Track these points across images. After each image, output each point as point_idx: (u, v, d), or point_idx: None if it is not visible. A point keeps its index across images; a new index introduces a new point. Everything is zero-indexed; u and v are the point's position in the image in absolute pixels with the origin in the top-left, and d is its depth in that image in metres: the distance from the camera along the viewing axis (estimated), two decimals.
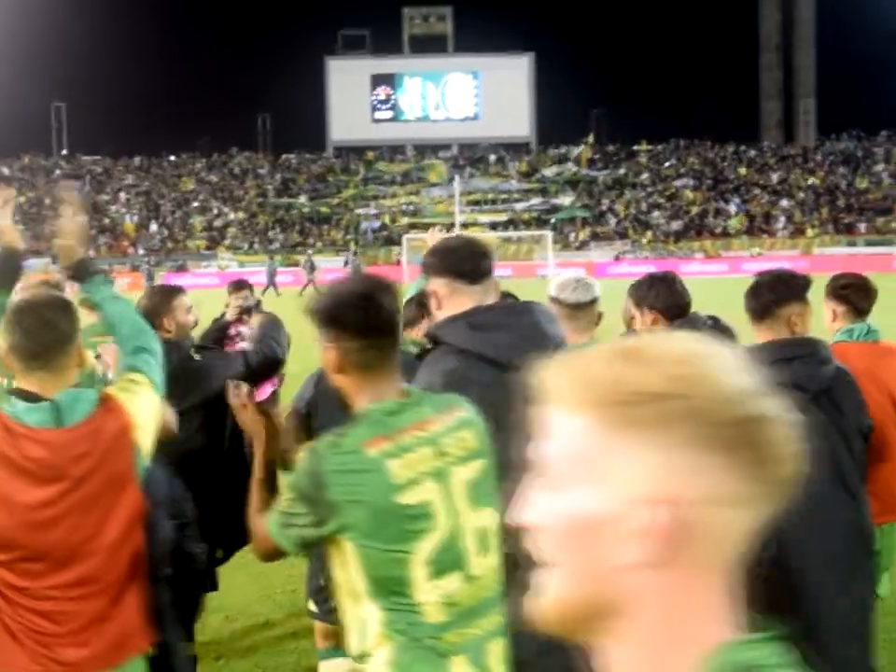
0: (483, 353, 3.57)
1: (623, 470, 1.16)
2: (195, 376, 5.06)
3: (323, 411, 4.51)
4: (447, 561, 2.86)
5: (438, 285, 3.73)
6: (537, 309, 3.86)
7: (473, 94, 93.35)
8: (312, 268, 47.40)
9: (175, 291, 5.47)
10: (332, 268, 52.75)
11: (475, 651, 2.89)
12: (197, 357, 5.32)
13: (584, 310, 4.85)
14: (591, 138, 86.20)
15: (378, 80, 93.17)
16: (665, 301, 4.88)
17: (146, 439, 3.45)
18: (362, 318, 2.89)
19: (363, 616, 2.86)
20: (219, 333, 7.38)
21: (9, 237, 3.94)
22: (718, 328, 4.82)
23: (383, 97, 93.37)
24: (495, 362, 3.53)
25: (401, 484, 2.80)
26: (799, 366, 4.12)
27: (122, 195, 79.33)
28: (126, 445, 3.33)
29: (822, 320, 5.25)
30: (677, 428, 1.15)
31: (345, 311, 2.91)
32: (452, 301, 3.70)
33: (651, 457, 1.15)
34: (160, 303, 5.28)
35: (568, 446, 1.20)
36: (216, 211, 77.50)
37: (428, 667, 2.83)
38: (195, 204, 78.03)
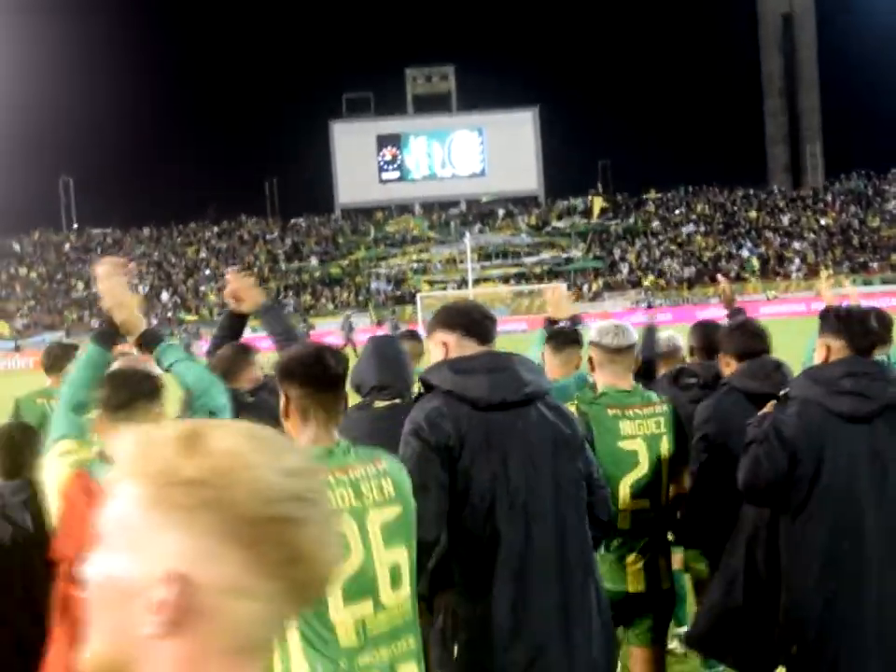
0: (463, 394, 3.92)
1: (155, 545, 1.24)
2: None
3: None
4: (359, 588, 3.26)
5: (450, 339, 4.15)
6: (516, 358, 4.18)
7: (479, 150, 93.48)
8: (350, 328, 47.04)
9: (249, 350, 6.12)
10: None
11: None
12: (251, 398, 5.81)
13: (624, 354, 5.13)
14: (600, 188, 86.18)
15: (383, 141, 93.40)
16: (737, 346, 5.44)
17: None
18: (305, 373, 3.43)
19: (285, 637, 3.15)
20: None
21: (124, 310, 4.19)
22: (781, 370, 5.26)
23: (389, 158, 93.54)
24: (471, 401, 3.91)
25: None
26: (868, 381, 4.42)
27: (133, 266, 79.27)
28: None
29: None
30: (204, 516, 1.23)
31: (295, 365, 3.47)
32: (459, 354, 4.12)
33: (178, 538, 1.24)
34: (234, 361, 5.87)
35: (120, 512, 1.28)
36: (227, 278, 77.32)
37: None
38: (206, 272, 77.96)
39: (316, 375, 3.42)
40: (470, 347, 4.09)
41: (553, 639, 3.87)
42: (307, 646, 3.17)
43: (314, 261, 79.32)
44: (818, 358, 4.59)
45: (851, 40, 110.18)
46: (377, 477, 3.39)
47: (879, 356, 5.09)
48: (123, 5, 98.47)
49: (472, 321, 4.16)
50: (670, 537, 5.82)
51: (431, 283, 72.95)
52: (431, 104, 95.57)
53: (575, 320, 6.73)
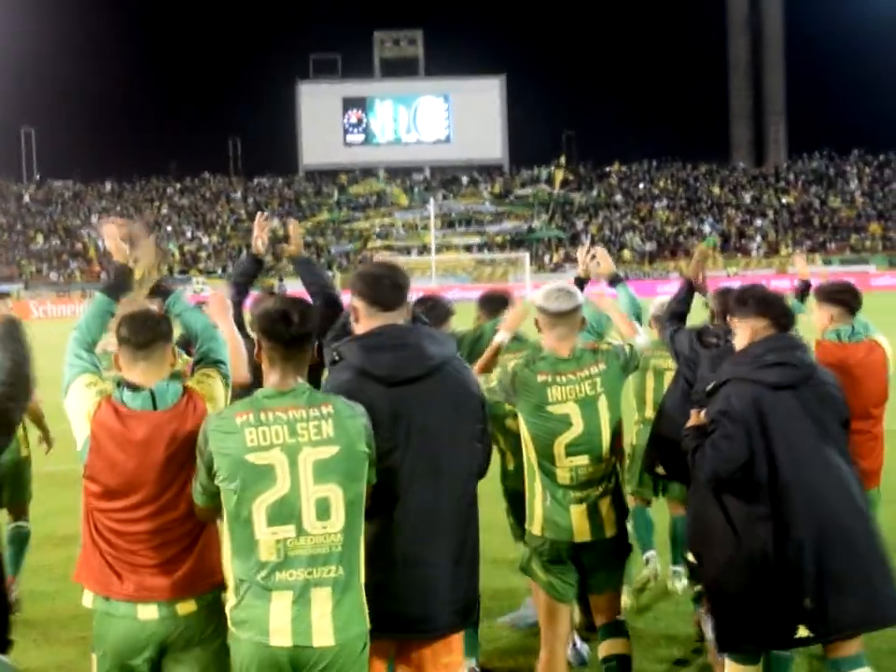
0: (370, 371, 4.33)
1: None
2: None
3: None
4: (283, 514, 3.83)
5: (359, 305, 4.51)
6: (422, 331, 4.59)
7: (445, 117, 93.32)
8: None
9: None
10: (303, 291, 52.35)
11: (299, 592, 3.82)
12: None
13: (566, 317, 5.28)
14: (563, 160, 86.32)
15: (349, 104, 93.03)
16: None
17: None
18: (272, 329, 3.98)
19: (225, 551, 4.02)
20: None
21: (128, 258, 4.67)
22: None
23: (354, 120, 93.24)
24: (379, 378, 4.30)
25: (252, 447, 3.83)
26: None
27: (94, 220, 78.75)
28: (201, 423, 4.18)
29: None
30: None
31: (264, 321, 4.02)
32: (368, 320, 4.48)
33: None
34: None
35: None
36: (188, 235, 77.00)
37: (254, 598, 3.83)
38: (167, 228, 77.52)
39: (280, 333, 3.96)
40: (377, 316, 4.44)
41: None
42: (234, 554, 3.91)
43: (275, 222, 79.03)
44: (746, 340, 5.06)
45: (818, 21, 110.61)
46: (318, 419, 3.90)
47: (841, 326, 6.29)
48: None
49: (380, 291, 4.46)
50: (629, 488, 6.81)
51: (392, 248, 72.93)
52: (399, 68, 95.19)
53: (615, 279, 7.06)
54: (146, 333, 4.30)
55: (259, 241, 6.24)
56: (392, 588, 4.26)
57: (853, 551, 4.78)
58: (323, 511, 3.85)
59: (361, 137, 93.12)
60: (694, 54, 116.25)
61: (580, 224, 77.09)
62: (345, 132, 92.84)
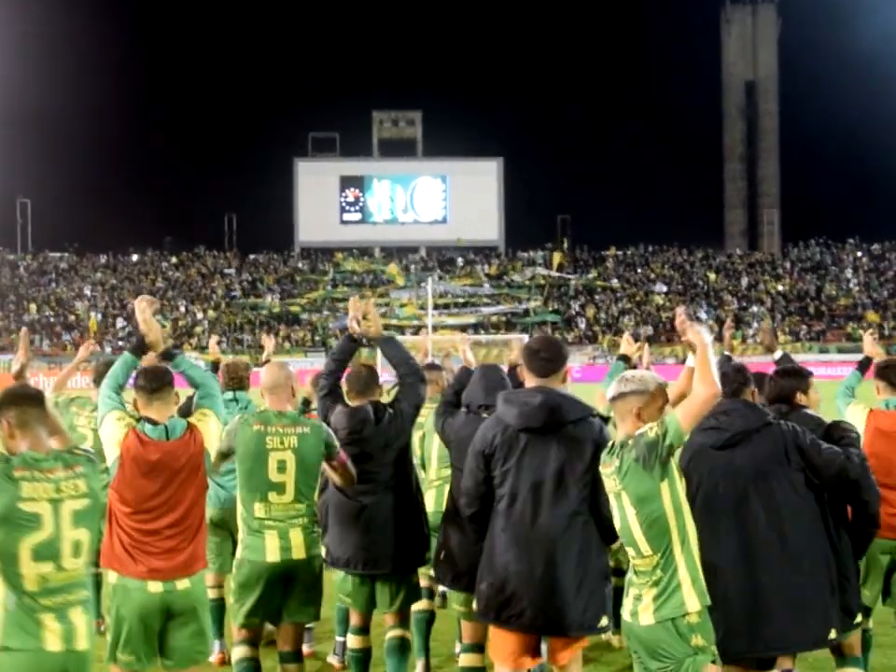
0: (500, 416, 6.08)
1: None
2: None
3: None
4: (46, 553, 4.80)
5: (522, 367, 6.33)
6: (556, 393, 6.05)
7: (442, 198, 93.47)
8: None
9: (373, 368, 7.54)
10: (301, 369, 51.80)
11: (60, 613, 4.84)
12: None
13: (614, 404, 5.38)
14: (564, 243, 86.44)
15: (347, 182, 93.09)
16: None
17: (211, 446, 6.14)
18: (17, 399, 5.04)
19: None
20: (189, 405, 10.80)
21: (154, 334, 6.30)
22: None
23: (351, 199, 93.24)
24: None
25: (25, 498, 4.76)
26: None
27: (88, 292, 78.42)
28: (201, 451, 6.02)
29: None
30: None
31: (9, 395, 5.08)
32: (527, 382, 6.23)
33: None
34: (372, 377, 7.27)
35: None
36: (182, 309, 76.69)
37: (22, 615, 4.76)
38: (161, 303, 77.17)
39: (17, 403, 5.05)
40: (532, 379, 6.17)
41: None
42: (6, 583, 4.79)
43: (270, 298, 78.80)
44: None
45: (813, 110, 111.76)
46: (74, 478, 4.95)
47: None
48: (91, 27, 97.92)
49: (533, 361, 6.14)
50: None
51: (388, 327, 72.60)
52: (397, 148, 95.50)
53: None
54: (158, 382, 6.03)
55: (355, 321, 7.25)
56: None
57: None
58: (76, 550, 4.97)
59: (358, 216, 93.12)
60: (690, 141, 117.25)
61: (575, 307, 76.94)
62: (342, 210, 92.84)
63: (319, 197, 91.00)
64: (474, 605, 6.19)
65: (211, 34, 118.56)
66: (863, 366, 8.80)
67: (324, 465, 6.81)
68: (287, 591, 6.56)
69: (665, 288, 79.35)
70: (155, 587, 5.81)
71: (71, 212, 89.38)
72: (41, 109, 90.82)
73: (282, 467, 6.51)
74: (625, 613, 5.25)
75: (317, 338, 71.39)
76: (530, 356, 6.04)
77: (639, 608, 5.14)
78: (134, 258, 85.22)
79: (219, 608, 8.48)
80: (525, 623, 5.82)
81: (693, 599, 5.09)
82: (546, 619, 5.79)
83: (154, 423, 5.93)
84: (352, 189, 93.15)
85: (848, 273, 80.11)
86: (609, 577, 6.15)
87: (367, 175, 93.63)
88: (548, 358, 6.01)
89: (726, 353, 8.18)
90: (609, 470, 5.25)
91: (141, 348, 6.26)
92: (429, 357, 54.99)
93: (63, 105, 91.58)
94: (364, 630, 7.26)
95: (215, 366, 9.34)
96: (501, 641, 6.06)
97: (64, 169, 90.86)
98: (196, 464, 6.00)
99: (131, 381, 6.21)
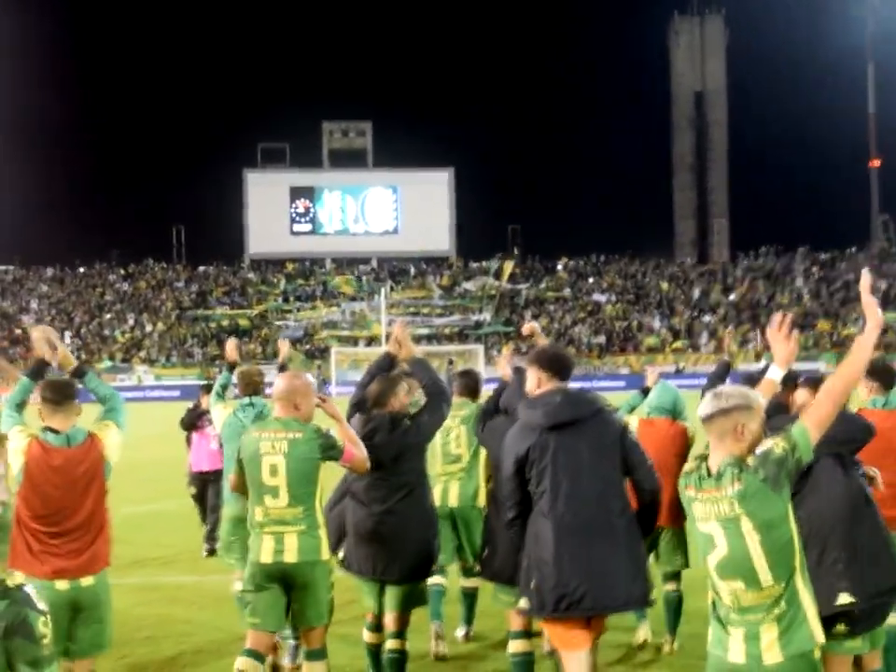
0: (526, 421, 6.30)
1: None
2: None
3: None
4: None
5: (541, 374, 6.40)
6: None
7: (393, 208, 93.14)
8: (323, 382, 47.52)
9: (398, 380, 7.63)
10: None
11: None
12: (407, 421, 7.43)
13: (707, 425, 4.83)
14: (515, 253, 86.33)
15: (297, 193, 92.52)
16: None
17: (111, 454, 6.49)
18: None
19: None
20: (194, 416, 13.57)
21: (62, 358, 6.75)
22: None
23: (302, 210, 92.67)
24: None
25: None
26: None
27: (34, 305, 77.26)
28: (101, 458, 6.42)
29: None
30: None
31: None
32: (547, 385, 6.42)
33: None
34: (388, 388, 7.47)
35: None
36: (131, 322, 75.73)
37: None
38: (109, 316, 76.23)
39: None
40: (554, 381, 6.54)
41: None
42: None
43: (220, 310, 78.04)
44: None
45: (761, 120, 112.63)
46: None
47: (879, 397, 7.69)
48: (34, 36, 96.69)
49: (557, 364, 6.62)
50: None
51: (339, 338, 72.12)
52: (347, 158, 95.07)
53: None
54: (61, 394, 6.38)
55: (397, 344, 7.61)
56: None
57: None
58: None
59: (308, 227, 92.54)
60: (639, 151, 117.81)
61: (527, 317, 76.77)
62: (292, 221, 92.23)
63: (269, 208, 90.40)
64: (523, 602, 6.37)
65: (159, 43, 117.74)
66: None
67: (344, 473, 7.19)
68: (287, 594, 6.72)
69: (612, 298, 79.46)
70: (62, 585, 6.21)
71: (16, 225, 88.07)
72: None
73: (274, 471, 6.65)
74: (734, 655, 4.70)
75: (269, 350, 70.72)
76: (552, 360, 6.47)
77: (761, 647, 4.63)
78: (82, 270, 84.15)
79: None
80: (587, 608, 6.08)
81: (819, 630, 4.69)
82: (604, 600, 6.09)
83: (56, 432, 6.33)
84: (302, 200, 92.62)
85: (799, 281, 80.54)
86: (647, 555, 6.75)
87: (317, 186, 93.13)
88: (567, 363, 6.50)
89: (726, 359, 8.56)
90: (716, 495, 4.72)
91: (38, 372, 6.70)
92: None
93: (6, 115, 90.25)
94: (377, 627, 7.61)
95: (231, 367, 9.35)
96: (564, 631, 6.31)
97: (8, 180, 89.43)
98: (96, 469, 6.40)
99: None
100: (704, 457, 4.87)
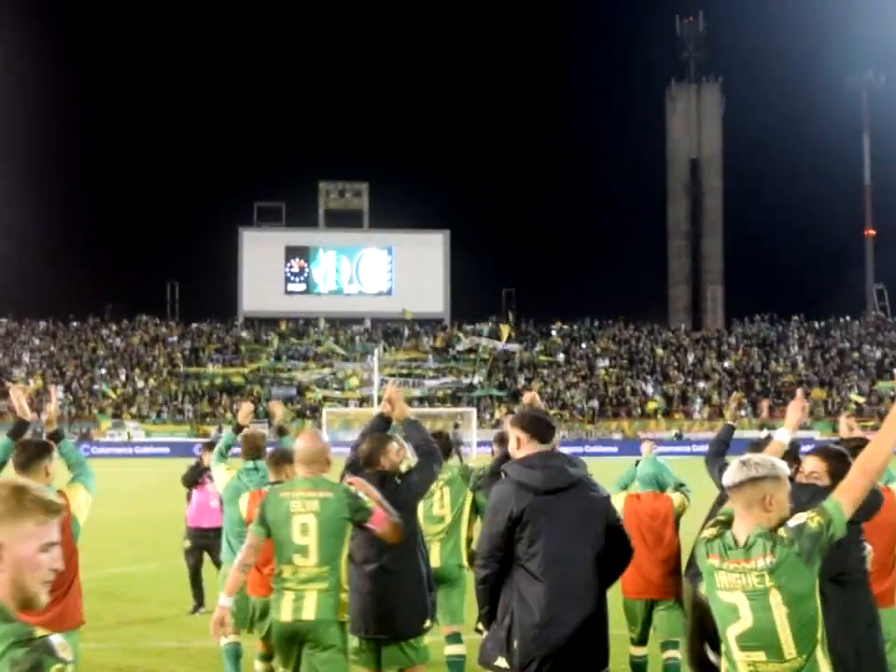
0: (523, 482, 6.01)
1: None
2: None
3: None
4: None
5: (520, 435, 6.14)
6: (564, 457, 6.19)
7: (388, 269, 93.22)
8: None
9: (388, 439, 7.65)
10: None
11: None
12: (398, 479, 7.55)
13: (734, 493, 4.74)
14: (509, 316, 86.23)
15: (292, 252, 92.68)
16: None
17: (79, 513, 6.80)
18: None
19: None
20: (196, 474, 12.91)
21: (50, 417, 7.27)
22: None
23: (296, 269, 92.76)
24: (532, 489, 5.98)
25: None
26: None
27: (26, 358, 76.85)
28: (68, 516, 6.55)
29: None
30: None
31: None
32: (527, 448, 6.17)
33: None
34: (378, 447, 7.50)
35: None
36: (123, 377, 75.31)
37: None
38: (102, 371, 75.82)
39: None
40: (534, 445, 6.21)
41: None
42: None
43: (212, 367, 77.68)
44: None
45: (757, 187, 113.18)
46: None
47: None
48: (36, 83, 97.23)
49: (541, 426, 6.28)
50: None
51: (332, 399, 71.74)
52: (343, 219, 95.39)
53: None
54: (25, 456, 6.53)
55: (389, 405, 7.72)
56: None
57: None
58: None
59: (303, 286, 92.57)
60: (634, 217, 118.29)
61: (521, 381, 76.52)
62: (287, 280, 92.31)
63: (264, 267, 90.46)
64: (501, 661, 6.23)
65: (158, 100, 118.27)
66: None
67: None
68: (302, 651, 6.70)
69: (606, 363, 79.29)
70: None
71: (9, 277, 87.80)
72: None
73: (304, 530, 6.67)
74: None
75: (261, 408, 70.24)
76: (536, 423, 6.26)
77: None
78: (75, 324, 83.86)
79: None
80: (567, 668, 6.04)
81: None
82: (580, 662, 6.07)
83: None
84: (297, 260, 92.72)
85: (793, 349, 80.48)
86: None
87: (312, 246, 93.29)
88: (551, 426, 6.31)
89: (730, 423, 8.31)
90: (744, 566, 4.63)
91: (18, 431, 6.99)
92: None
93: (2, 165, 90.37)
94: None
95: (238, 429, 9.46)
96: None
97: (3, 232, 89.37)
98: (63, 528, 6.75)
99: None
100: (725, 524, 4.81)
